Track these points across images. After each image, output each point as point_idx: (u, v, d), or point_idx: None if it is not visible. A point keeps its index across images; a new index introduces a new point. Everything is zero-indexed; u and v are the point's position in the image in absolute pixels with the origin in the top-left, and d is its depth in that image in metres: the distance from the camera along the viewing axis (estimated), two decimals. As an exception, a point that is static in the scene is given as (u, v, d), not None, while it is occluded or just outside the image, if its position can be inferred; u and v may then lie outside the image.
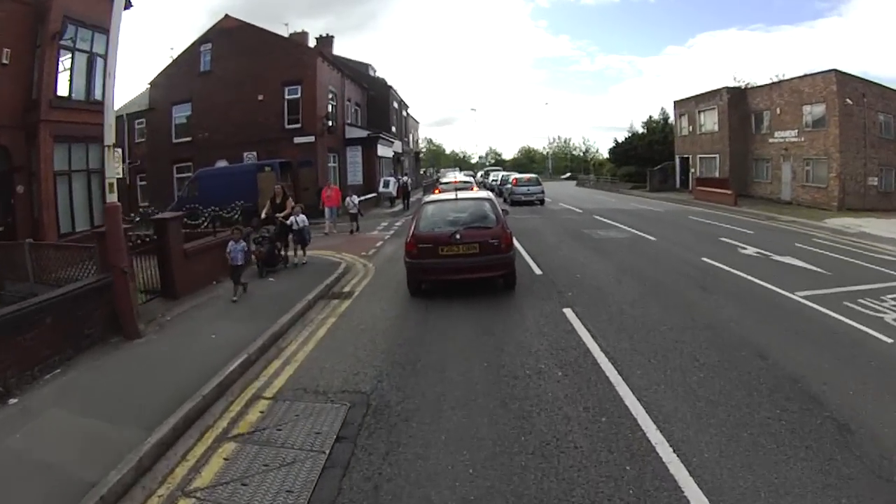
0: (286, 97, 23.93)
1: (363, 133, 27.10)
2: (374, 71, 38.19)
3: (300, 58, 24.04)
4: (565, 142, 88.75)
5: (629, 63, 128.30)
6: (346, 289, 9.23)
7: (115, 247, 6.53)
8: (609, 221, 17.39)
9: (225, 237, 9.51)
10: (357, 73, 32.78)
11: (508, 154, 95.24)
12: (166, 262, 8.28)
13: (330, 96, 25.65)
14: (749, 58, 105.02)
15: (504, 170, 54.53)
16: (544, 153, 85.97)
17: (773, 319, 6.86)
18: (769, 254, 11.66)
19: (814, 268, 10.14)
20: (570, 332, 6.42)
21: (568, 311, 7.24)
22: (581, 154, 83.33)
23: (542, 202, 26.02)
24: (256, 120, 23.92)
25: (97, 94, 12.24)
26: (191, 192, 21.62)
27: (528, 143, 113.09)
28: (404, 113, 41.62)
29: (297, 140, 23.24)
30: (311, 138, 23.04)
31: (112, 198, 6.65)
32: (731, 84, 33.16)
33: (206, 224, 11.68)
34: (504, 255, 8.01)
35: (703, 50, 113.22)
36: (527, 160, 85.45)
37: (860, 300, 7.61)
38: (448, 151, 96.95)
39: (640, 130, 49.31)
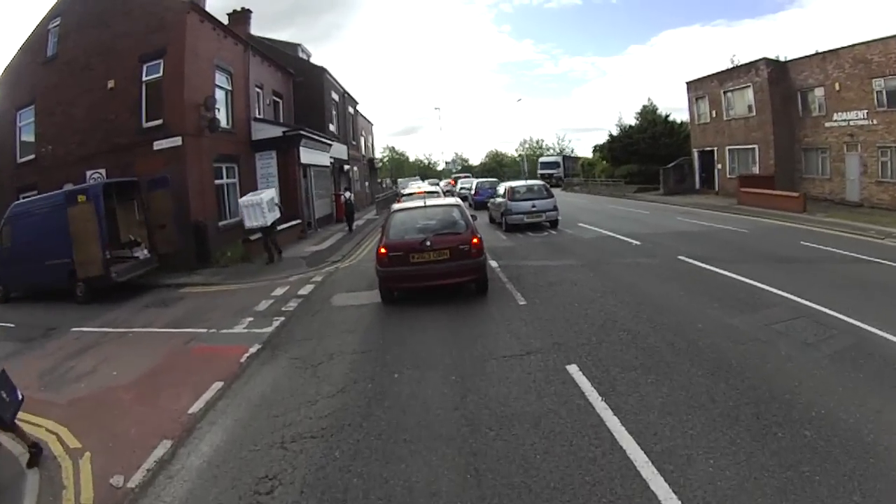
0: (144, 79, 15.05)
1: (277, 131, 18.33)
2: (308, 55, 29.43)
3: (163, 17, 15.16)
4: (538, 143, 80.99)
5: (592, 64, 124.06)
6: None
7: None
8: (736, 276, 8.67)
9: None
10: (278, 53, 24.04)
11: (476, 159, 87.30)
12: None
13: (220, 77, 16.86)
14: (713, 53, 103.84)
15: (473, 176, 46.79)
16: (515, 157, 78.37)
17: None
18: None
19: None
20: None
21: None
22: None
23: (554, 224, 16.65)
24: (106, 119, 15.11)
25: None
26: (3, 243, 12.75)
27: (496, 147, 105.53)
28: (350, 109, 32.87)
29: (158, 145, 14.40)
30: (177, 140, 14.20)
31: None
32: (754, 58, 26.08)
33: None
34: (474, 259, 8.05)
35: (665, 48, 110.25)
36: (496, 165, 77.72)
37: None
38: (412, 159, 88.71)
39: (632, 124, 42.21)
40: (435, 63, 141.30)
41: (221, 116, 16.89)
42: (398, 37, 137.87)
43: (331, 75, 26.41)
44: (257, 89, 19.95)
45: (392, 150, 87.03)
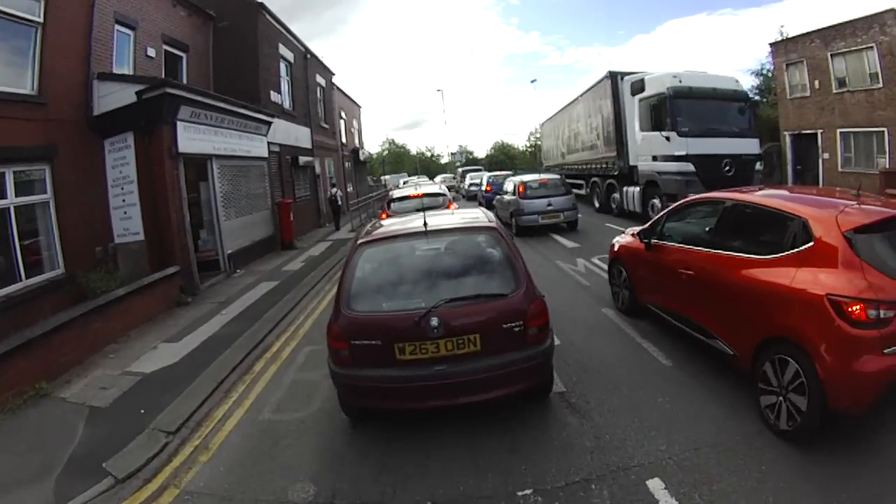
0: None
1: (129, 93, 9.74)
2: None
3: None
4: (549, 133, 71.97)
5: (598, 54, 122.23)
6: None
7: None
8: None
9: None
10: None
11: (481, 152, 79.45)
12: None
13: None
14: (718, 42, 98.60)
15: (485, 169, 38.90)
16: (523, 149, 69.95)
17: None
18: None
19: None
20: None
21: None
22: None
23: (572, 225, 14.82)
24: None
25: None
26: None
27: (502, 139, 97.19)
28: (320, 79, 24.14)
29: None
30: None
31: None
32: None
33: None
34: (534, 348, 3.71)
35: (671, 37, 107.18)
36: (504, 156, 69.69)
37: None
38: (413, 152, 79.95)
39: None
40: (440, 57, 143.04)
41: (24, 70, 8.64)
42: (403, 32, 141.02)
43: (273, 18, 17.64)
44: (122, 29, 11.52)
45: (391, 142, 79.18)
